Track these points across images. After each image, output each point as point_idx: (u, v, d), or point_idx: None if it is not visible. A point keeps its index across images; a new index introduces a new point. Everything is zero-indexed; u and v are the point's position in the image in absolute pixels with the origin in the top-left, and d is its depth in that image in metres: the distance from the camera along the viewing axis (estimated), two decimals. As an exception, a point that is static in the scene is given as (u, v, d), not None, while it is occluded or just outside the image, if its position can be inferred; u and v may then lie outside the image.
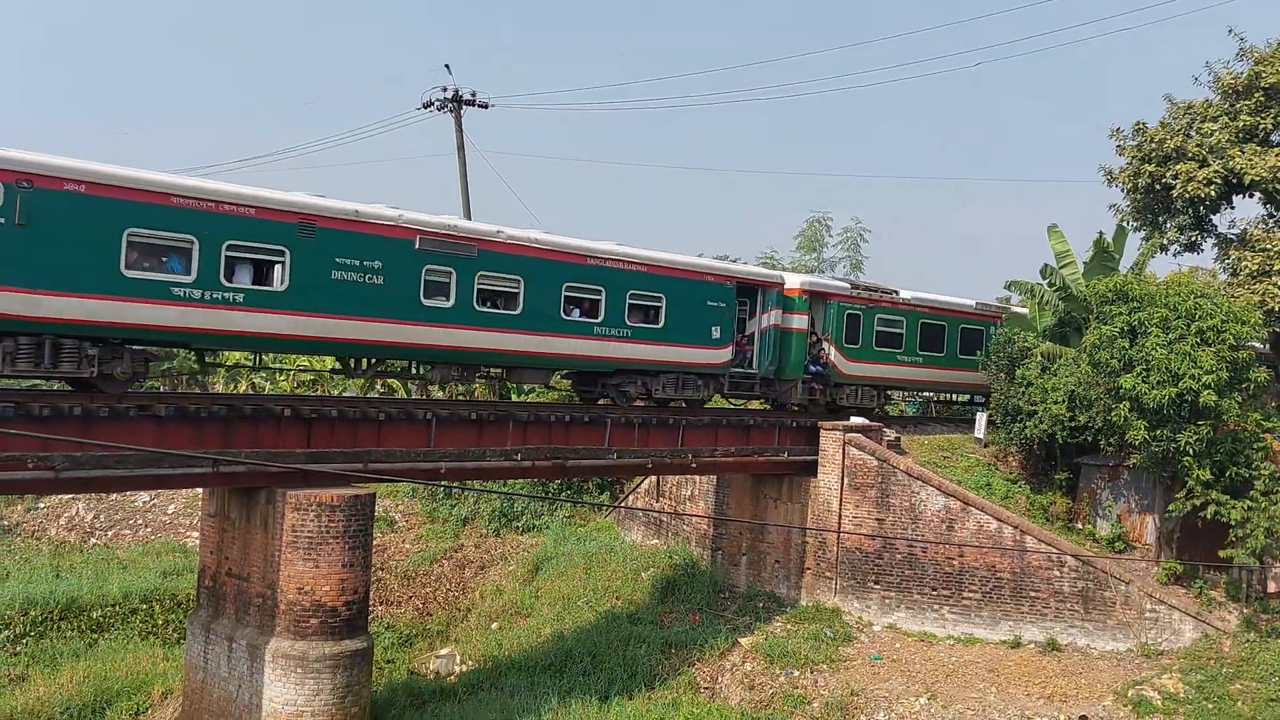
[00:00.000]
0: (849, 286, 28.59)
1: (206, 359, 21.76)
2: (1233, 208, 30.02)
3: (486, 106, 39.33)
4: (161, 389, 21.38)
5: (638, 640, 23.65)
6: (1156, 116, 31.86)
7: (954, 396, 36.16)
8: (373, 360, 20.99)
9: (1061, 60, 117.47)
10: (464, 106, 38.91)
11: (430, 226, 19.90)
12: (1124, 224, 29.98)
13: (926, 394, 36.21)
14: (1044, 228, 29.08)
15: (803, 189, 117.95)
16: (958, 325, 31.03)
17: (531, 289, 21.33)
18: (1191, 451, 22.45)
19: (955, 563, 24.13)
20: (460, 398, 29.43)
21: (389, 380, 31.41)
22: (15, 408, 15.72)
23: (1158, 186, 29.47)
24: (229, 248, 17.44)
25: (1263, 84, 27.83)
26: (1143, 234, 31.00)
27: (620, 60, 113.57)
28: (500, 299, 21.20)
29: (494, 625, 26.19)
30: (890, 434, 26.45)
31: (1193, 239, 30.52)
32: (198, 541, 24.33)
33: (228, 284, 17.46)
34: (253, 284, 17.85)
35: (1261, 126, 27.97)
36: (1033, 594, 23.49)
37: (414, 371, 22.18)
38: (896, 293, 29.52)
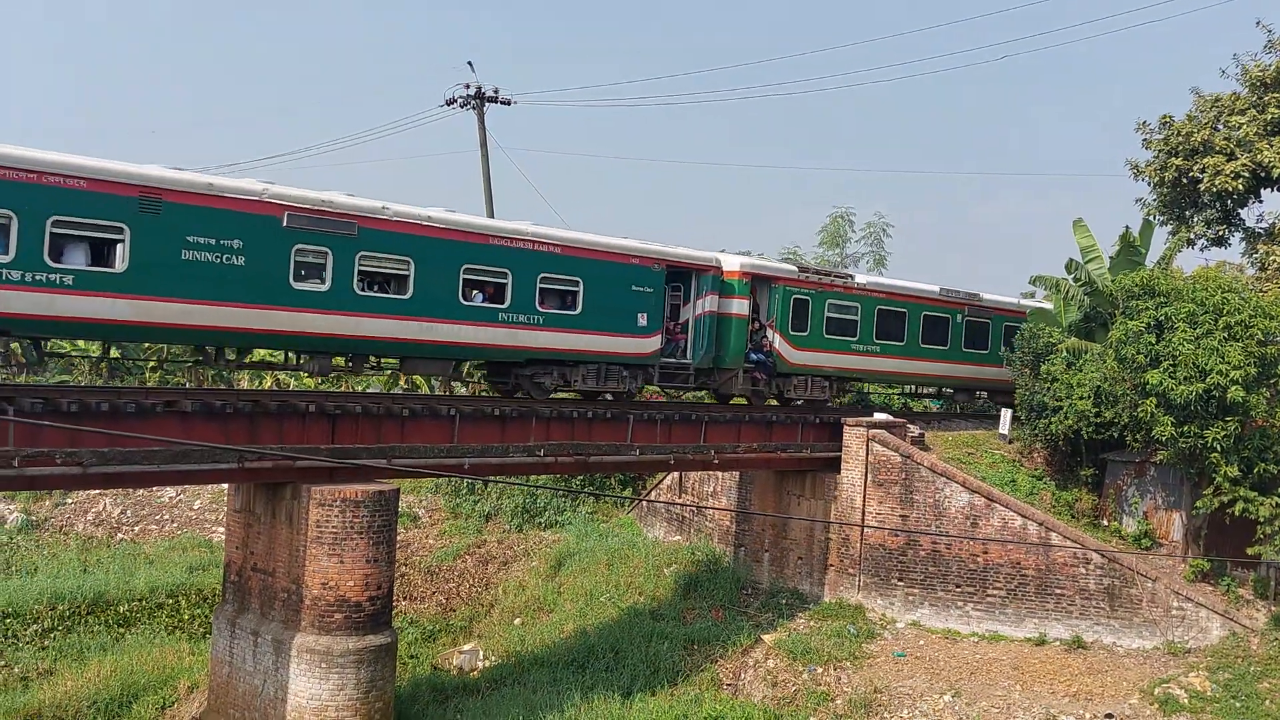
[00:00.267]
0: (795, 270, 27.02)
1: (45, 347, 19.00)
2: (1261, 202, 29.85)
3: (509, 103, 39.43)
4: (187, 385, 21.43)
5: (660, 636, 23.66)
6: (1180, 110, 31.68)
7: (917, 389, 34.46)
8: (238, 350, 19.72)
9: (1084, 53, 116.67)
10: (487, 104, 38.99)
11: (300, 202, 18.20)
12: (1150, 218, 29.72)
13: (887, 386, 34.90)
14: (1067, 222, 28.63)
15: (821, 185, 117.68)
16: (919, 312, 29.19)
17: (424, 271, 19.68)
18: (1219, 448, 22.25)
19: (980, 559, 24.01)
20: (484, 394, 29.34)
21: (413, 376, 31.36)
22: (44, 403, 15.86)
23: (1184, 180, 29.26)
24: (55, 224, 15.82)
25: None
26: (1169, 228, 30.79)
27: (639, 58, 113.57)
28: (387, 282, 19.58)
29: (517, 621, 26.25)
30: (914, 430, 26.32)
31: (1220, 233, 30.30)
32: (223, 537, 24.50)
33: (54, 264, 15.85)
34: (87, 265, 16.24)
35: (1290, 119, 27.71)
36: (1058, 591, 23.34)
37: (297, 361, 20.46)
38: (851, 277, 28.29)
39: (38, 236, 15.69)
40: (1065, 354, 26.00)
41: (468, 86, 38.90)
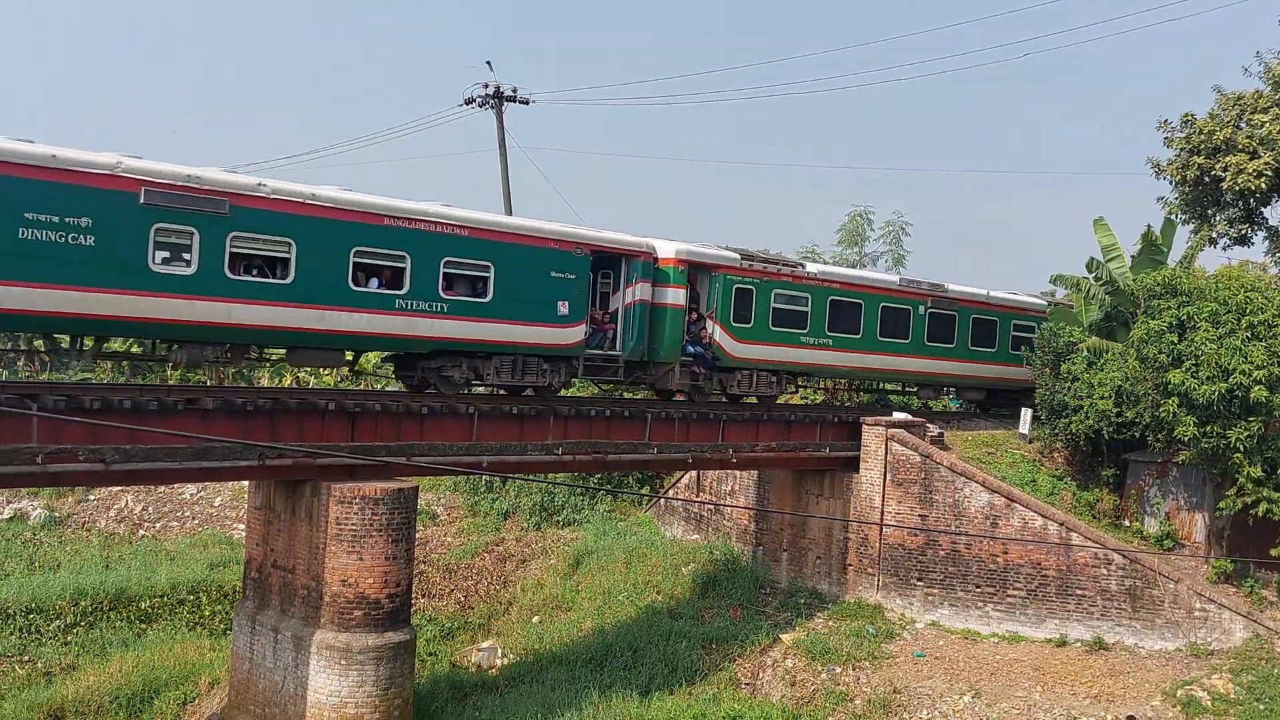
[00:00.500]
0: (738, 257, 24.91)
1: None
2: (1284, 200, 29.55)
3: (528, 103, 39.54)
4: (208, 383, 21.46)
5: (678, 635, 23.65)
6: (1200, 108, 31.45)
7: (879, 385, 33.03)
8: (91, 339, 18.18)
9: (1096, 53, 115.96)
10: (505, 103, 39.08)
11: (160, 177, 16.69)
12: (1172, 217, 29.54)
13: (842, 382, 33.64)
14: (1078, 221, 28.54)
15: (838, 184, 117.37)
16: (877, 304, 27.58)
17: (307, 254, 18.09)
18: (1242, 448, 22.11)
19: (1000, 560, 23.91)
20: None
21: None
22: (67, 400, 15.98)
23: (1207, 179, 29.05)
24: None
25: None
26: (1191, 227, 30.57)
27: (651, 57, 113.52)
28: (265, 265, 18.05)
29: (535, 619, 26.30)
30: (933, 430, 26.22)
31: (1243, 232, 30.07)
32: (244, 533, 24.65)
33: None
34: None
35: (1314, 118, 27.47)
36: (1079, 592, 23.21)
37: (166, 350, 18.68)
38: (801, 265, 26.64)
39: None
40: (1086, 353, 25.86)
41: (486, 86, 39.04)
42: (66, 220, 15.86)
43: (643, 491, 33.06)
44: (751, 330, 24.88)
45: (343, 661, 18.14)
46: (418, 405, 19.74)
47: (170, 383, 29.61)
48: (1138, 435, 24.42)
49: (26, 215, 15.52)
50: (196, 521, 33.21)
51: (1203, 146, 28.81)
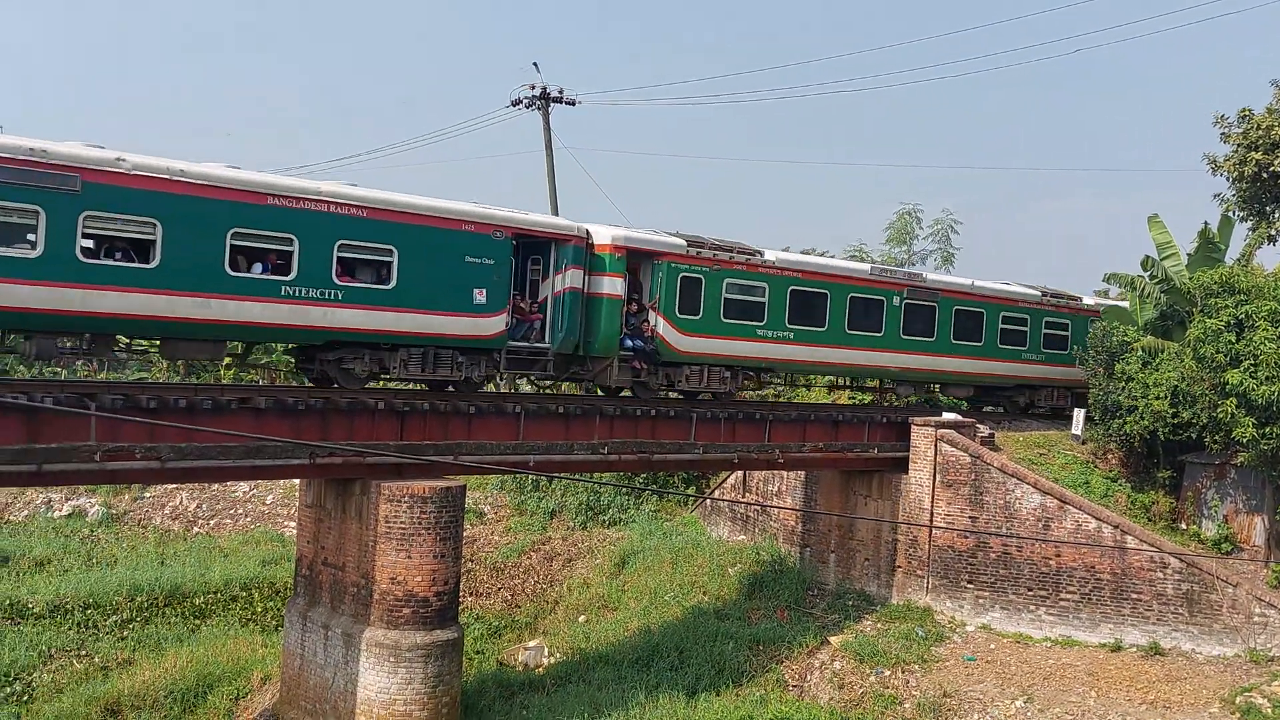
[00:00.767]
0: (683, 244, 23.03)
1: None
2: (1344, 196, 28.99)
3: (574, 104, 39.58)
4: (260, 382, 21.68)
5: (725, 636, 23.59)
6: (1259, 104, 30.85)
7: (849, 381, 31.44)
8: None
9: (1146, 50, 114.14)
10: (552, 104, 39.19)
11: None
12: (1229, 213, 29.08)
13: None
14: (1140, 219, 28.10)
15: (896, 184, 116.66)
16: (845, 294, 25.63)
17: (175, 236, 16.45)
18: (1303, 450, 21.68)
19: (1052, 562, 23.59)
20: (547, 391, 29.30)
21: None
22: (124, 400, 16.26)
23: (1265, 175, 28.56)
24: None
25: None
26: (1249, 224, 30.06)
27: (703, 55, 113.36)
28: (126, 248, 16.52)
29: (581, 618, 26.36)
30: (984, 430, 25.95)
31: (1303, 228, 29.51)
32: (295, 531, 24.94)
33: None
34: None
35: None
36: (1134, 596, 22.84)
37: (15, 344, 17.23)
38: (759, 253, 24.31)
39: None
40: (1141, 353, 25.47)
41: (533, 87, 39.12)
42: None
43: (688, 492, 33.02)
44: (700, 322, 23.13)
45: (392, 659, 18.29)
46: (466, 405, 19.86)
47: (224, 382, 30.00)
48: (1194, 436, 24.03)
49: None
50: (249, 519, 33.69)
51: (1261, 142, 28.35)
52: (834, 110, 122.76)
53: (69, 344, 16.87)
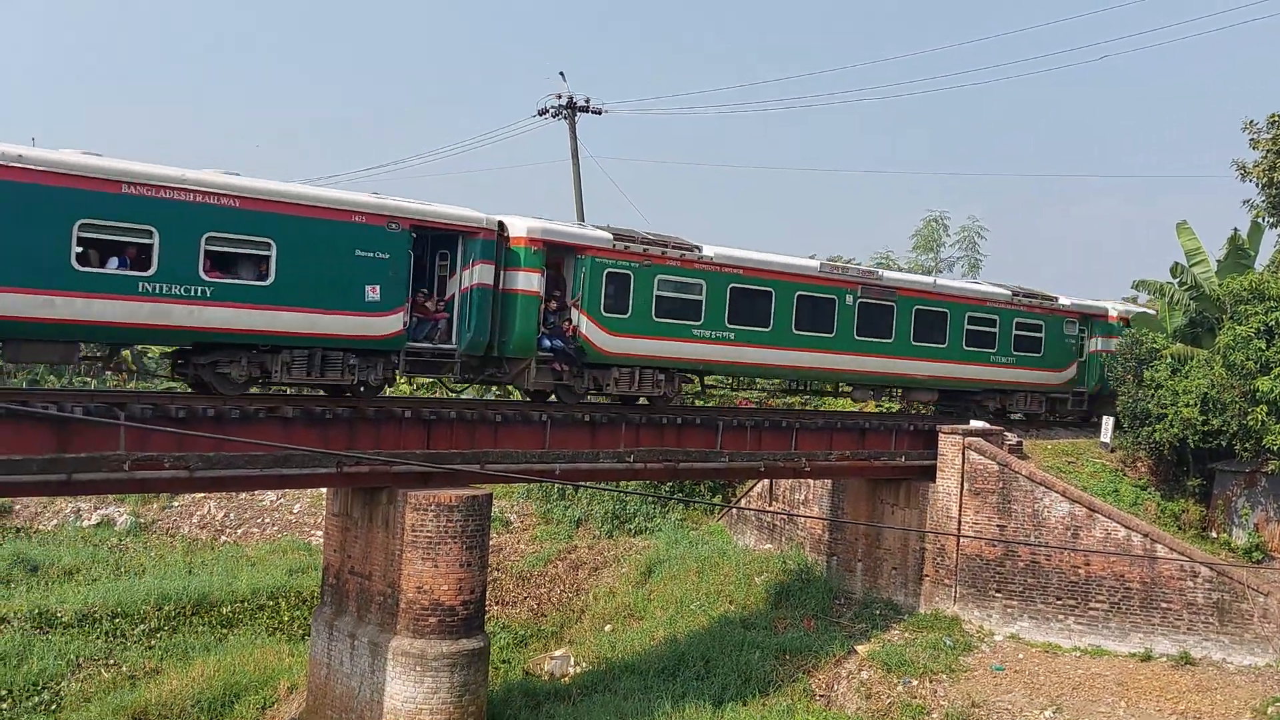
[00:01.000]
0: (609, 237, 21.40)
1: None
2: (1375, 201, 28.70)
3: (600, 112, 39.66)
4: (288, 391, 21.66)
5: (751, 645, 23.51)
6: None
7: (803, 385, 29.45)
8: None
9: (1184, 54, 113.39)
10: (578, 113, 39.30)
11: None
12: (1259, 220, 28.88)
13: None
14: (1168, 226, 27.86)
15: (929, 191, 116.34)
16: (792, 292, 23.95)
17: (10, 228, 15.07)
18: (1335, 458, 21.46)
19: (1081, 571, 23.41)
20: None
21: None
22: (154, 409, 16.38)
23: (1296, 180, 28.29)
24: None
25: None
26: (1279, 230, 29.84)
27: (732, 63, 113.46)
28: None
29: (607, 627, 26.32)
30: (1011, 438, 25.81)
31: (1334, 234, 29.26)
32: (321, 540, 25.02)
33: None
34: None
35: None
36: (1164, 605, 22.63)
37: None
38: (696, 249, 22.67)
39: None
40: (1170, 360, 25.29)
41: (559, 96, 39.22)
42: None
43: (715, 500, 32.96)
44: (628, 322, 21.54)
45: (418, 668, 18.29)
46: (492, 413, 19.90)
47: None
48: (1225, 444, 23.86)
49: None
50: (276, 528, 33.83)
51: (1292, 147, 28.10)
52: (858, 119, 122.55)
53: None
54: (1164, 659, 22.29)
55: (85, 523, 34.32)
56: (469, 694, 18.57)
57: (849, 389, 27.56)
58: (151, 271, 16.25)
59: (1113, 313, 30.76)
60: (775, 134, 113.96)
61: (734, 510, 31.97)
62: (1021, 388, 29.04)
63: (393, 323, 18.72)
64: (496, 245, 19.82)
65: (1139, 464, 26.44)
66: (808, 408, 32.31)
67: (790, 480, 29.05)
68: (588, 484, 24.89)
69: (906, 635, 24.01)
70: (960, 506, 24.95)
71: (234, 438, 16.60)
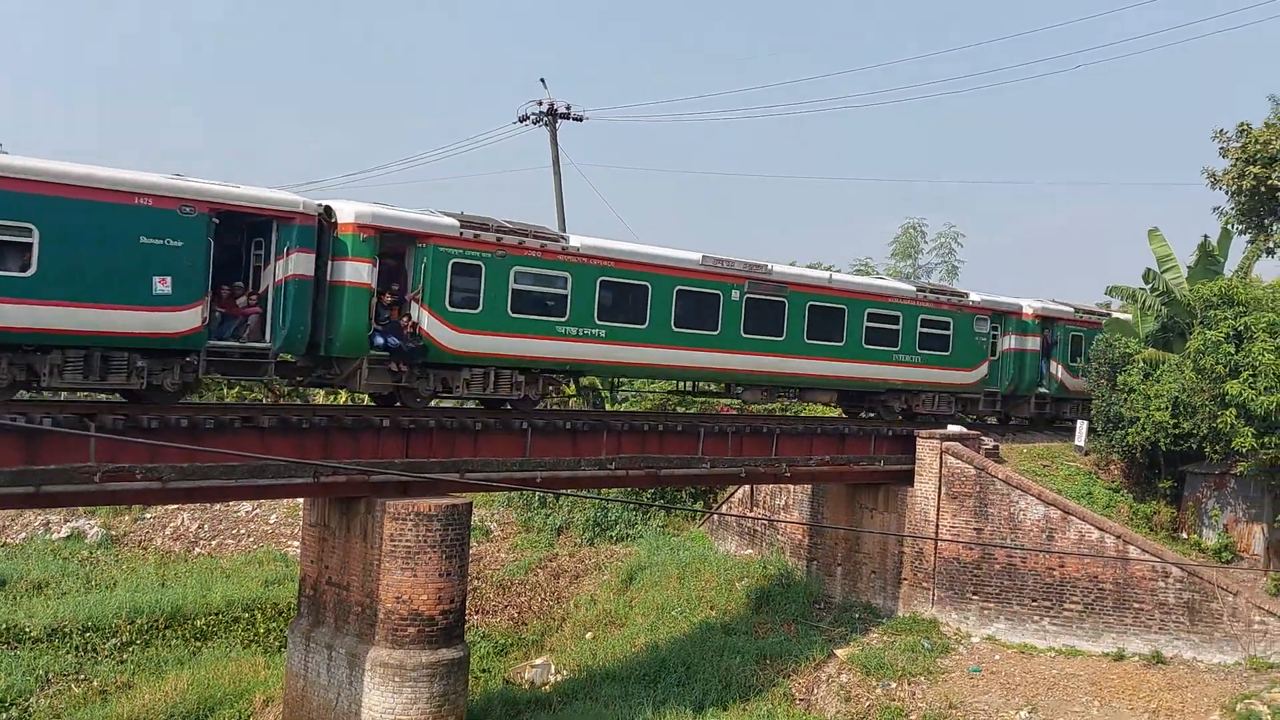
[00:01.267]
0: (456, 224, 19.58)
1: None
2: (1341, 210, 29.19)
3: (581, 119, 39.60)
4: (264, 400, 21.32)
5: (732, 651, 23.56)
6: (1257, 119, 31.05)
7: (690, 386, 27.66)
8: None
9: (1158, 60, 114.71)
10: (559, 120, 39.24)
11: None
12: (1228, 227, 29.31)
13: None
14: (1140, 230, 28.19)
15: (914, 198, 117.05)
16: (671, 287, 22.44)
17: None
18: (1302, 459, 21.78)
19: (1056, 573, 23.62)
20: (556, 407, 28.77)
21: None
22: (125, 420, 16.20)
23: (1263, 188, 28.75)
24: None
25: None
26: (1248, 237, 30.27)
27: (713, 73, 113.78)
28: None
29: (588, 635, 26.28)
30: (988, 442, 26.02)
31: (1300, 241, 29.71)
32: (298, 551, 24.84)
33: None
34: None
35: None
36: (1136, 605, 22.87)
37: None
38: (562, 239, 21.29)
39: None
40: (1142, 364, 25.58)
41: (540, 103, 39.15)
42: None
43: (696, 507, 32.99)
44: (480, 317, 19.81)
45: (397, 678, 18.17)
46: (472, 421, 19.83)
47: (228, 400, 29.90)
48: (1195, 447, 24.15)
49: None
50: (252, 539, 33.53)
51: (1259, 156, 28.60)
52: (836, 127, 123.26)
53: None
54: (1136, 658, 22.51)
55: (55, 536, 33.88)
56: (448, 704, 18.46)
57: (740, 389, 25.80)
58: None
59: (1028, 310, 29.86)
60: (758, 142, 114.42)
61: (715, 516, 32.01)
62: (928, 388, 27.68)
63: (188, 318, 16.73)
64: (319, 232, 17.95)
65: (1112, 467, 26.71)
66: (788, 414, 32.40)
67: (771, 486, 29.13)
68: (569, 492, 24.23)
69: (885, 638, 24.13)
70: (938, 510, 25.11)
71: (208, 448, 16.39)
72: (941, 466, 25.06)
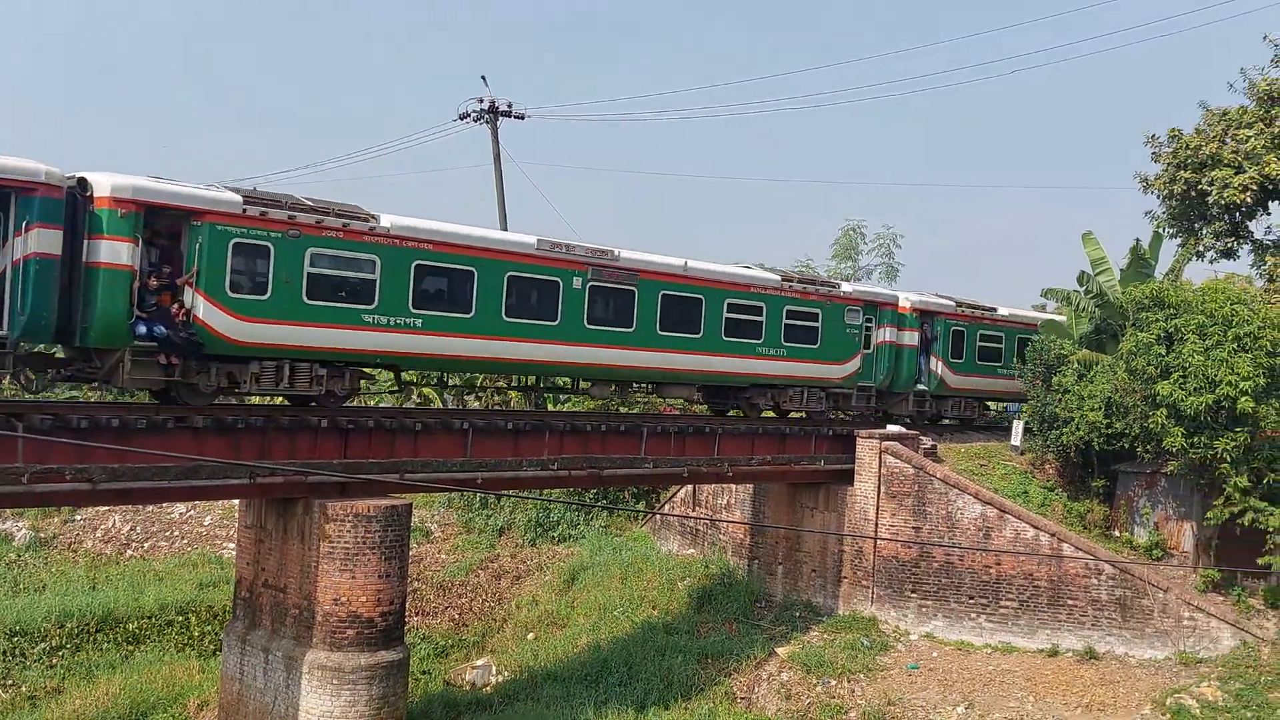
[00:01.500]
0: (239, 200, 17.48)
1: None
2: (1269, 214, 29.93)
3: (522, 118, 39.49)
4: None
5: (674, 650, 23.61)
6: (1188, 124, 31.73)
7: (533, 380, 26.02)
8: None
9: (1092, 67, 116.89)
10: (500, 118, 39.08)
11: None
12: (1160, 230, 29.85)
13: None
14: (1076, 233, 28.59)
15: (851, 200, 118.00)
16: (501, 273, 20.61)
17: None
18: (1229, 458, 22.27)
19: (992, 571, 23.95)
20: (498, 407, 28.48)
21: (425, 390, 30.70)
22: (54, 420, 15.84)
23: (1193, 193, 29.32)
24: None
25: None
26: (1179, 240, 30.86)
27: (636, 73, 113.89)
28: None
29: (530, 636, 26.19)
30: (927, 442, 26.30)
31: (1229, 245, 30.38)
32: (234, 553, 24.46)
33: None
34: None
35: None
36: (1070, 602, 23.26)
37: None
38: (372, 218, 19.10)
39: None
40: (1077, 365, 26.00)
41: (481, 101, 38.95)
42: None
43: (638, 507, 32.99)
44: (268, 305, 17.74)
45: (335, 681, 17.97)
46: (412, 422, 19.65)
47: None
48: (1127, 446, 24.56)
49: None
50: (185, 541, 32.95)
51: (1189, 161, 29.12)
52: (781, 128, 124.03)
53: None
54: (1070, 654, 22.89)
55: (-19, 538, 33.06)
56: (388, 706, 18.30)
57: (589, 385, 24.36)
58: None
59: (904, 303, 28.64)
60: (704, 140, 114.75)
61: (658, 516, 32.04)
62: (796, 382, 26.15)
63: None
64: (68, 206, 15.88)
65: (1047, 466, 27.11)
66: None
67: (713, 486, 29.22)
68: (511, 493, 23.73)
69: (825, 636, 24.31)
70: (877, 509, 25.34)
71: (139, 449, 16.06)
72: (881, 466, 25.29)
